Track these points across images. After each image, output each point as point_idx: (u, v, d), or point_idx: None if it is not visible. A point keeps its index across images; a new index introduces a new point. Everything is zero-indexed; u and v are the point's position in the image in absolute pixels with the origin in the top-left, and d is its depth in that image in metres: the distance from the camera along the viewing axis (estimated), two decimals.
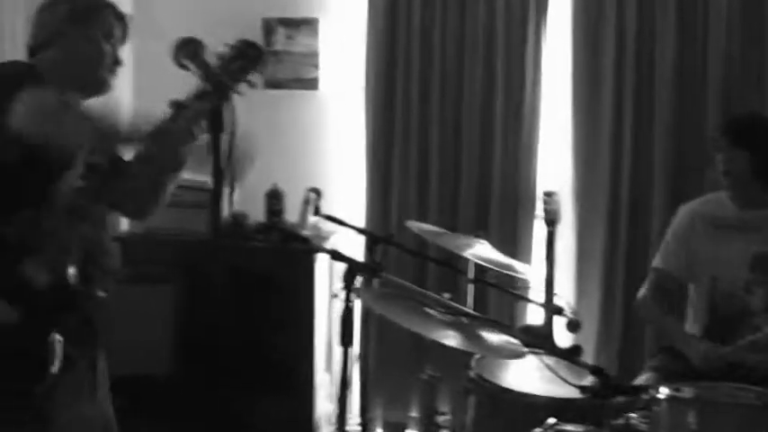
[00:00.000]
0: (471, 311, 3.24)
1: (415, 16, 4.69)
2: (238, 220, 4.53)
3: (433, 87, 4.71)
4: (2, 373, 2.50)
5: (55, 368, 2.45)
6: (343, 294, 2.71)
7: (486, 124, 4.67)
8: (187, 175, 4.46)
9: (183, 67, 2.16)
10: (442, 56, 4.68)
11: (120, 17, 2.74)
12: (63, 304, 2.54)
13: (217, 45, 4.68)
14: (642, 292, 3.84)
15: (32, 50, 2.73)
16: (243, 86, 2.45)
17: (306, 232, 4.42)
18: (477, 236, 3.76)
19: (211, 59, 2.24)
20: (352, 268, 2.65)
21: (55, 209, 2.50)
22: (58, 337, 2.53)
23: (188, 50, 2.17)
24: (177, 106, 2.36)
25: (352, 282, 2.65)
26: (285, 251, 4.58)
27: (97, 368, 2.76)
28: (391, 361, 4.76)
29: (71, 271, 2.53)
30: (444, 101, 4.71)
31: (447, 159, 4.73)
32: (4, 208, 2.49)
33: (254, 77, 2.54)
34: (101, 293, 2.61)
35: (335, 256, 2.75)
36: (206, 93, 2.41)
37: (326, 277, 4.62)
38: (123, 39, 2.76)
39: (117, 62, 2.73)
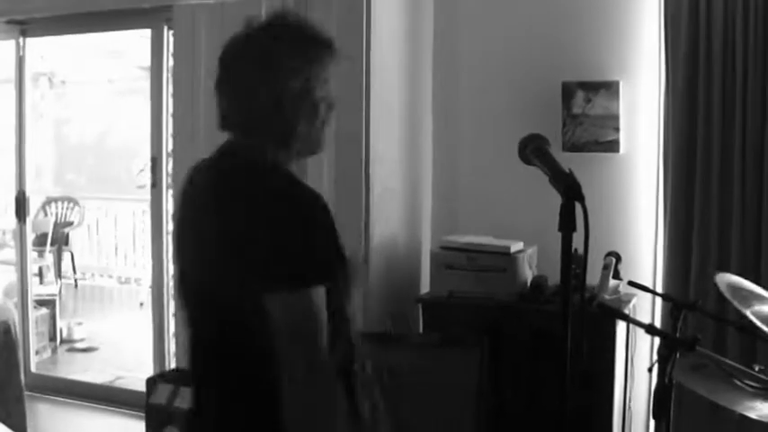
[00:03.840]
0: None
1: (716, 78, 4.61)
2: (539, 282, 4.60)
3: (734, 150, 4.60)
4: None
5: None
6: (657, 368, 2.73)
7: None
8: (488, 241, 4.63)
9: (528, 162, 2.16)
10: (742, 118, 4.57)
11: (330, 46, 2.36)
12: None
13: (515, 106, 4.85)
14: None
15: None
16: None
17: (606, 296, 4.43)
18: None
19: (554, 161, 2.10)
20: (670, 343, 2.65)
21: None
22: None
23: (534, 146, 2.14)
24: None
25: (668, 357, 2.66)
26: (586, 315, 4.57)
27: None
28: (688, 425, 4.69)
29: None
30: (745, 165, 4.58)
31: (748, 226, 4.60)
32: None
33: None
34: None
35: (651, 330, 2.76)
36: None
37: (624, 339, 4.60)
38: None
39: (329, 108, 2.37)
